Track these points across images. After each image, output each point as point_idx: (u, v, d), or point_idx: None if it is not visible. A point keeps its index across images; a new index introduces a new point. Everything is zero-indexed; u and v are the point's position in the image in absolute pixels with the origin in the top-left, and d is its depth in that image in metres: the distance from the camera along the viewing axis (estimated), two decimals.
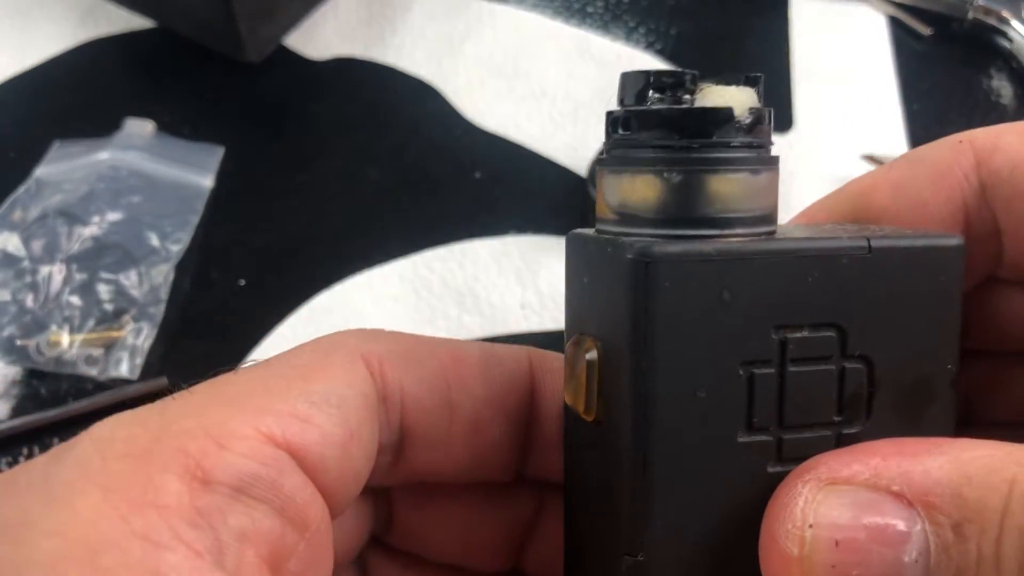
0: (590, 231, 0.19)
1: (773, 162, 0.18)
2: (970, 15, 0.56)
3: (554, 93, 0.54)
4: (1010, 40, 0.56)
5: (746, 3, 0.59)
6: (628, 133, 0.18)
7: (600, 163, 0.19)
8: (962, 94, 0.54)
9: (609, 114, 0.19)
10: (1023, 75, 0.55)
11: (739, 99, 0.18)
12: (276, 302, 0.44)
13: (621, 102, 0.18)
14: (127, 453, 0.16)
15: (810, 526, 0.16)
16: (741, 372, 0.18)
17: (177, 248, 0.46)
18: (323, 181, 0.50)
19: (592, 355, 0.18)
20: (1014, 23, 0.55)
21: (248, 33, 0.53)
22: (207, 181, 0.49)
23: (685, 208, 0.17)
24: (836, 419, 0.18)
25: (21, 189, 0.48)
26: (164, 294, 0.44)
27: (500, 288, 0.45)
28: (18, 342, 0.42)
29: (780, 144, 0.51)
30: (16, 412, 0.40)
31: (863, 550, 0.16)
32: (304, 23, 0.57)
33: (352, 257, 0.46)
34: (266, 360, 0.19)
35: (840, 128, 0.52)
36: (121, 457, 0.16)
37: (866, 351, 0.18)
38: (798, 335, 0.18)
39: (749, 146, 0.18)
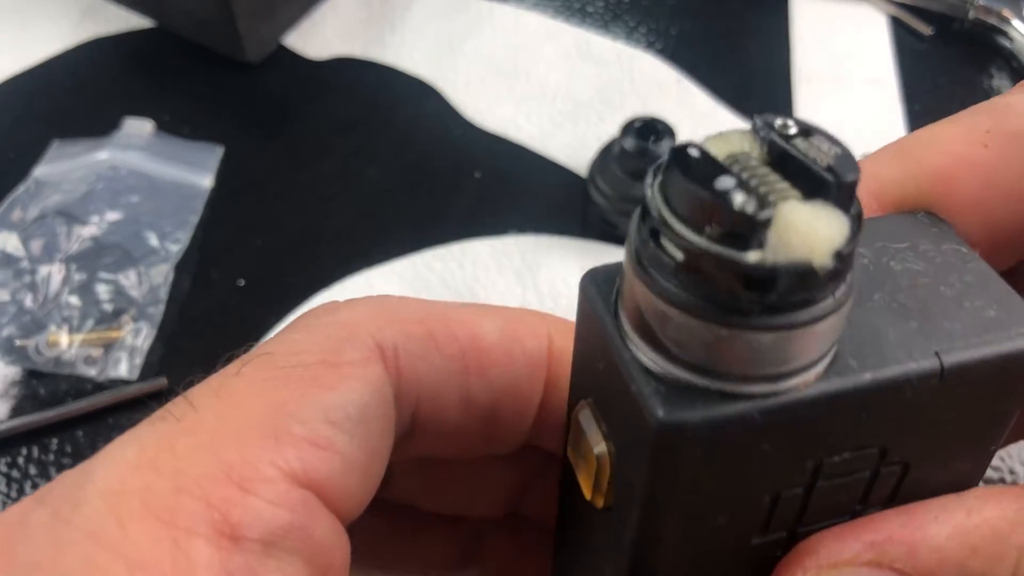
0: (607, 281, 0.16)
1: (845, 298, 0.14)
2: (971, 15, 0.56)
3: (554, 93, 0.53)
4: (1011, 39, 0.56)
5: (747, 3, 0.59)
6: (673, 257, 0.14)
7: (632, 263, 0.15)
8: (963, 93, 0.54)
9: (646, 212, 0.14)
10: None
11: (823, 241, 0.13)
12: (276, 302, 0.44)
13: (667, 201, 0.14)
14: (146, 512, 0.14)
15: None
16: (767, 497, 0.16)
17: (176, 248, 0.45)
18: (322, 180, 0.49)
19: (601, 449, 0.16)
20: (1015, 22, 0.55)
21: (247, 32, 0.53)
22: (206, 181, 0.49)
23: (732, 362, 0.14)
24: (857, 508, 0.17)
25: (20, 189, 0.47)
26: (163, 294, 0.44)
27: (500, 288, 0.44)
28: (17, 342, 0.42)
29: None
30: (15, 412, 0.40)
31: None
32: (303, 22, 0.57)
33: (352, 257, 0.46)
34: (268, 353, 0.17)
35: (841, 128, 0.52)
36: (140, 518, 0.14)
37: (906, 457, 0.16)
38: (836, 459, 0.16)
39: (824, 297, 0.14)
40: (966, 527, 0.15)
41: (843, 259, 0.13)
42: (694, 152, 0.13)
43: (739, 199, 0.13)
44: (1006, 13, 0.56)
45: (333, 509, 0.16)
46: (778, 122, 0.14)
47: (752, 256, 0.13)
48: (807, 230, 0.13)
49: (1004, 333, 0.15)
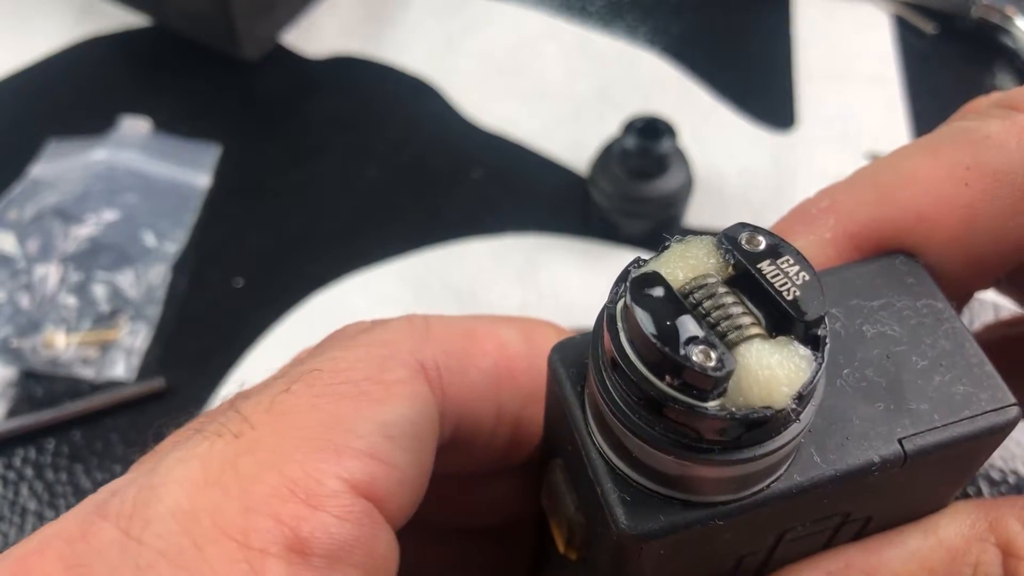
0: (573, 357, 0.16)
1: (808, 421, 0.14)
2: (974, 13, 0.56)
3: (554, 91, 0.53)
4: (1013, 38, 0.55)
5: (749, 1, 0.59)
6: (637, 394, 0.13)
7: (598, 386, 0.15)
8: (966, 92, 0.53)
9: (615, 365, 0.14)
10: None
11: (782, 385, 0.13)
12: (273, 302, 0.44)
13: (631, 342, 0.13)
14: (220, 533, 0.14)
15: None
16: (731, 563, 0.16)
17: (174, 248, 0.45)
18: (321, 180, 0.49)
19: (572, 515, 0.17)
20: (1017, 21, 0.55)
21: (245, 31, 0.52)
22: (204, 180, 0.48)
23: (692, 485, 0.14)
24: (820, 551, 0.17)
25: (16, 188, 0.47)
26: (160, 294, 0.43)
27: (500, 288, 0.44)
28: (13, 343, 0.41)
29: (782, 142, 0.50)
30: (12, 413, 0.40)
31: None
32: (302, 20, 0.57)
33: (350, 257, 0.45)
34: (316, 370, 0.17)
35: (843, 126, 0.51)
36: (214, 540, 0.14)
37: (870, 513, 0.16)
38: (799, 528, 0.16)
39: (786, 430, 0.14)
40: (922, 550, 0.15)
41: (803, 399, 0.13)
42: (654, 290, 0.13)
43: (699, 357, 0.12)
44: (1009, 11, 0.55)
45: (389, 522, 0.16)
46: (745, 236, 0.14)
47: (712, 405, 0.13)
48: (768, 377, 0.13)
49: (968, 413, 0.15)
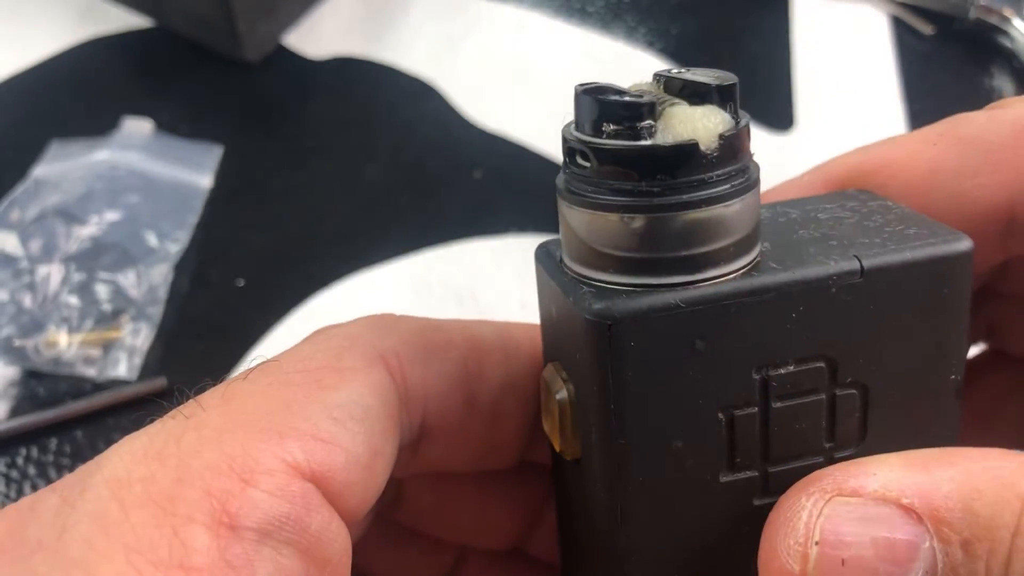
0: (556, 247, 0.18)
1: (750, 185, 0.16)
2: (972, 14, 0.56)
3: (554, 92, 0.53)
4: (1011, 39, 0.56)
5: (747, 2, 0.59)
6: (586, 166, 0.16)
7: (560, 194, 0.17)
8: (964, 93, 0.54)
9: (565, 140, 0.16)
10: None
11: (707, 126, 0.15)
12: (275, 302, 0.44)
13: (578, 127, 0.16)
14: (148, 499, 0.15)
15: (816, 543, 0.15)
16: (721, 416, 0.17)
17: (175, 248, 0.45)
18: (322, 180, 0.49)
19: (563, 395, 0.17)
20: (1015, 22, 0.55)
21: (247, 31, 0.52)
22: (206, 180, 0.49)
23: (650, 252, 0.16)
24: (827, 445, 0.17)
25: (19, 189, 0.47)
26: (162, 294, 0.44)
27: (500, 288, 0.44)
28: (16, 342, 0.42)
29: (781, 144, 0.51)
30: (14, 413, 0.40)
31: (869, 569, 0.15)
32: (303, 22, 0.57)
33: (351, 257, 0.46)
34: (274, 360, 0.18)
35: (842, 127, 0.52)
36: (142, 505, 0.15)
37: (860, 376, 0.17)
38: (782, 371, 0.16)
39: (721, 179, 0.15)
40: (971, 470, 0.15)
41: (728, 141, 0.15)
42: (598, 86, 0.16)
43: (631, 96, 0.15)
44: (1007, 12, 0.55)
45: (335, 503, 0.16)
46: (675, 70, 0.17)
47: (644, 143, 0.15)
48: (689, 116, 0.15)
49: (921, 243, 0.17)
